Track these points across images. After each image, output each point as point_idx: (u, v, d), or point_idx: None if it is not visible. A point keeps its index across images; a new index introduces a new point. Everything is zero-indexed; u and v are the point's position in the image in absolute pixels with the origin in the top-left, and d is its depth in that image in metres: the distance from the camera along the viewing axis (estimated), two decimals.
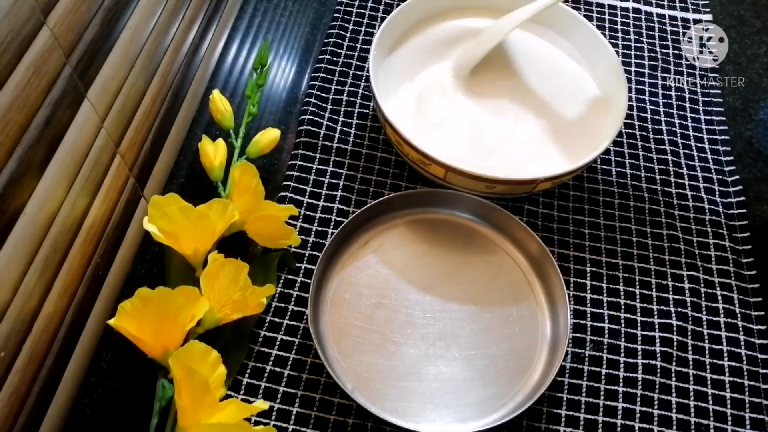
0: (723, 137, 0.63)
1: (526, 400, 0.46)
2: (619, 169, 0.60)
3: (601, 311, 0.52)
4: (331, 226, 0.55)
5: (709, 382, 0.49)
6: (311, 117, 0.60)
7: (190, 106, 0.60)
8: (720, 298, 0.53)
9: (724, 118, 0.65)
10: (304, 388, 0.47)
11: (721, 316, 0.53)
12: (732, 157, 0.62)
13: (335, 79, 0.64)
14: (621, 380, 0.49)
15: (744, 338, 0.51)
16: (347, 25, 0.68)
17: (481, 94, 0.60)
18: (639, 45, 0.69)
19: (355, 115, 0.62)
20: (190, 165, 0.58)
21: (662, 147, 0.62)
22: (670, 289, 0.53)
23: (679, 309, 0.52)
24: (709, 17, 0.73)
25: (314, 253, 0.53)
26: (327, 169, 0.58)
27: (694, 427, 0.48)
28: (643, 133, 0.63)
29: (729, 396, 0.49)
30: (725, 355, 0.51)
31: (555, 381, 0.48)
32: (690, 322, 0.52)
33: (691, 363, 0.50)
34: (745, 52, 0.71)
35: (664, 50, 0.69)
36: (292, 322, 0.50)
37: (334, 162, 0.58)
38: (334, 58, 0.65)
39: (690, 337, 0.51)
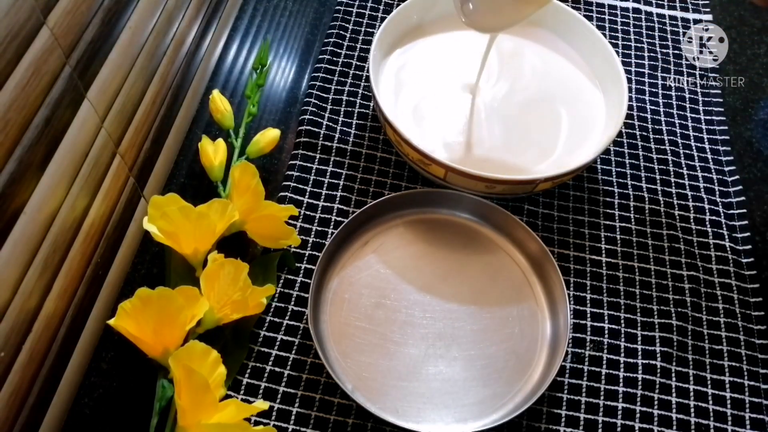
0: (723, 137, 0.63)
1: (526, 400, 0.46)
2: (619, 169, 0.60)
3: (601, 311, 0.52)
4: (331, 226, 0.55)
5: (709, 382, 0.49)
6: (311, 117, 0.60)
7: (190, 106, 0.60)
8: (720, 298, 0.53)
9: (724, 118, 0.65)
10: (304, 388, 0.47)
11: (721, 316, 0.53)
12: (732, 157, 0.62)
13: (335, 79, 0.64)
14: (621, 380, 0.49)
15: (744, 338, 0.51)
16: (347, 25, 0.68)
17: (481, 94, 0.60)
18: (639, 45, 0.69)
19: (355, 115, 0.62)
20: (190, 165, 0.58)
21: (662, 147, 0.62)
22: (670, 289, 0.53)
23: (679, 309, 0.52)
24: (709, 17, 0.73)
25: (314, 253, 0.53)
26: (327, 169, 0.58)
27: (694, 427, 0.48)
28: (643, 133, 0.63)
29: (729, 396, 0.49)
30: (725, 355, 0.51)
31: (555, 381, 0.48)
32: (690, 322, 0.52)
33: (691, 363, 0.50)
34: (745, 52, 0.71)
35: (664, 50, 0.69)
36: (292, 322, 0.50)
37: (334, 162, 0.58)
38: (334, 58, 0.65)
39: (690, 337, 0.51)
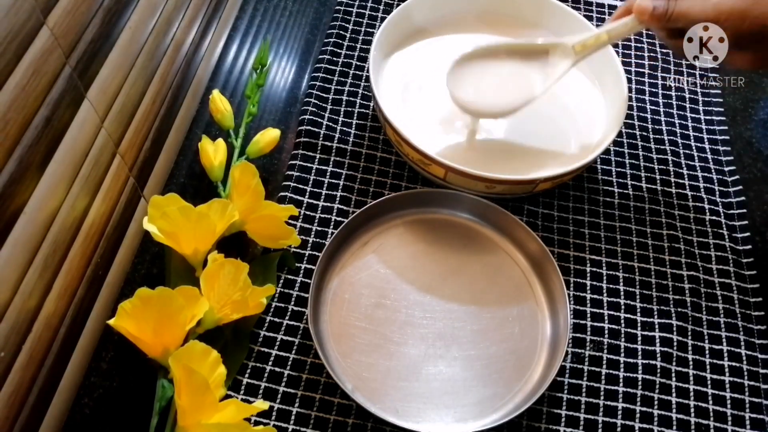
0: (723, 137, 0.63)
1: (526, 400, 0.46)
2: (619, 169, 0.60)
3: (601, 311, 0.52)
4: (331, 226, 0.55)
5: (709, 382, 0.49)
6: (311, 117, 0.60)
7: (190, 106, 0.60)
8: (720, 298, 0.53)
9: (724, 118, 0.64)
10: (304, 388, 0.47)
11: (721, 316, 0.53)
12: (732, 157, 0.62)
13: (335, 79, 0.64)
14: (621, 380, 0.49)
15: (744, 338, 0.51)
16: (347, 25, 0.68)
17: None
18: (639, 45, 0.69)
19: (355, 115, 0.62)
20: (190, 165, 0.58)
21: (662, 147, 0.62)
22: (670, 289, 0.53)
23: (679, 309, 0.52)
24: None
25: (314, 253, 0.53)
26: (327, 169, 0.58)
27: (694, 427, 0.48)
28: (643, 133, 0.63)
29: (729, 396, 0.49)
30: (725, 355, 0.51)
31: (555, 381, 0.48)
32: (690, 322, 0.52)
33: (691, 363, 0.50)
34: None
35: (664, 50, 0.69)
36: (292, 322, 0.50)
37: (334, 162, 0.58)
38: (334, 58, 0.65)
39: (690, 337, 0.51)
